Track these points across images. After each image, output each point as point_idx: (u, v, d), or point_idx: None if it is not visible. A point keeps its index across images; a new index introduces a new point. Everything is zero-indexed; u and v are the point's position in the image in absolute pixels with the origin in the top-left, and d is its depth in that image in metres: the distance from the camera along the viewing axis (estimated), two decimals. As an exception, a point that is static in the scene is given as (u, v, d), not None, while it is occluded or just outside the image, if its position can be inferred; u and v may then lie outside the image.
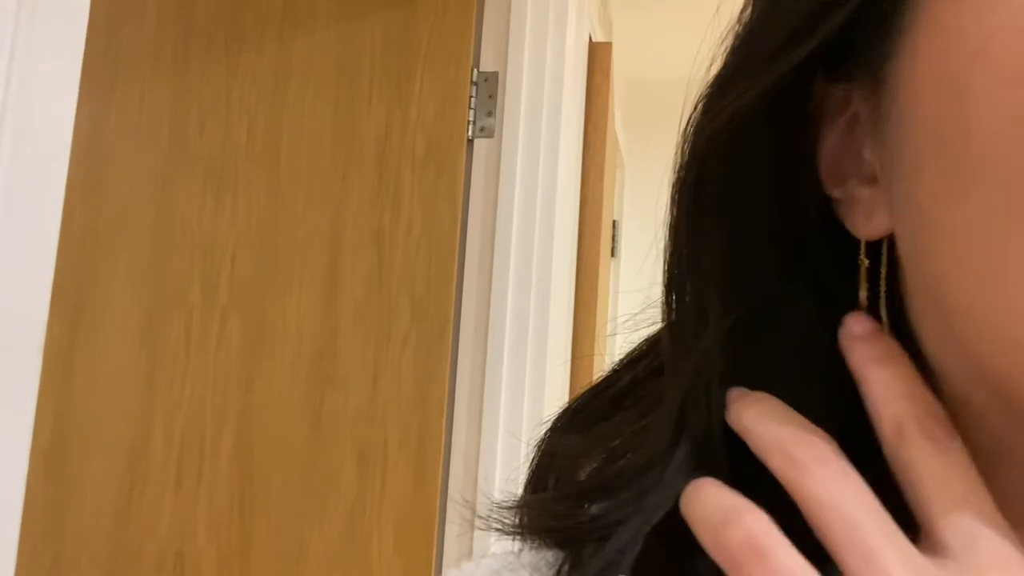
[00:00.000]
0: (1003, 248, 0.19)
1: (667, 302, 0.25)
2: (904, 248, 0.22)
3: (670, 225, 0.25)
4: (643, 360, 0.28)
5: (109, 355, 1.21)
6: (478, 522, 0.28)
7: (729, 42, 0.23)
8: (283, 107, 1.23)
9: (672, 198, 0.25)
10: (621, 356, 0.29)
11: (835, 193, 0.24)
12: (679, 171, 0.24)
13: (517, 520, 0.27)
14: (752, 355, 0.24)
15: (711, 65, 0.24)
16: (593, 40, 1.52)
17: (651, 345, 0.28)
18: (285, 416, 1.18)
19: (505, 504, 0.27)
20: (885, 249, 0.23)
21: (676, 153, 0.24)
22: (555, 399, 1.25)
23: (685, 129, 0.24)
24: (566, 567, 0.25)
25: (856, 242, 0.24)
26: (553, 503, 0.27)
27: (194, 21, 1.26)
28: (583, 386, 0.30)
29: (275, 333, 1.20)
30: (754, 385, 0.24)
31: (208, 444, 1.19)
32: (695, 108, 0.24)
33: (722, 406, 0.24)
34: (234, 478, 1.18)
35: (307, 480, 1.17)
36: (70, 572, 1.18)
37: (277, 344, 1.19)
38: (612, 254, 2.08)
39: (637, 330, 0.29)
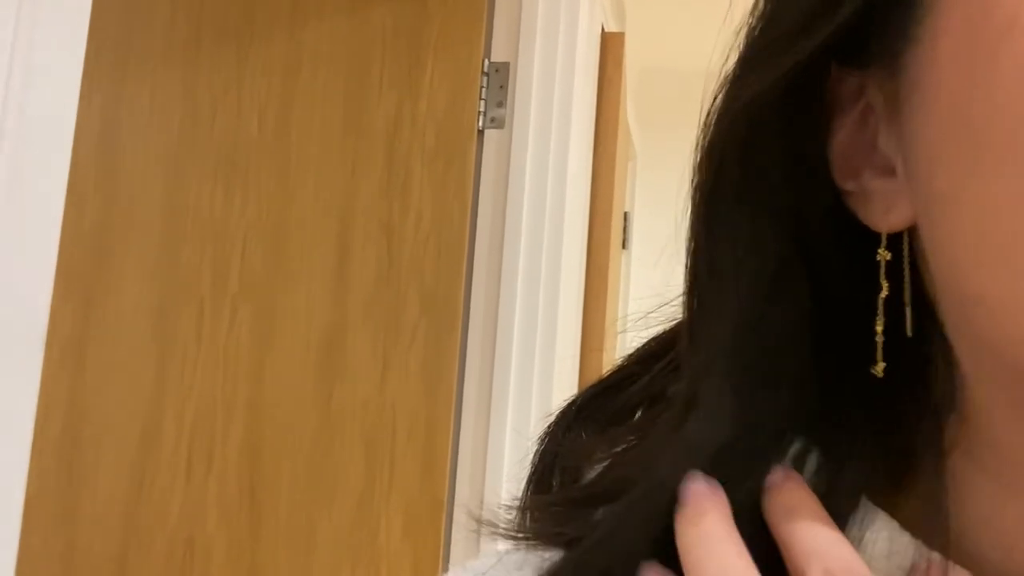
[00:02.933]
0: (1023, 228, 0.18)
1: (687, 299, 0.25)
2: (925, 238, 0.22)
3: (690, 219, 0.24)
4: (659, 360, 0.28)
5: (120, 344, 1.22)
6: (483, 529, 0.27)
7: (745, 32, 0.23)
8: (293, 98, 1.23)
9: (691, 191, 0.24)
10: (631, 351, 0.29)
11: (848, 186, 0.23)
12: (697, 163, 0.24)
13: (521, 522, 0.27)
14: (760, 356, 0.24)
15: (727, 57, 0.23)
16: (606, 30, 1.51)
17: (667, 344, 0.28)
18: (294, 405, 1.19)
19: (509, 506, 0.27)
20: (906, 242, 0.23)
21: (695, 145, 0.24)
22: (563, 390, 1.25)
23: (705, 120, 0.24)
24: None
25: (864, 240, 0.23)
26: (558, 506, 0.26)
27: (205, 11, 1.26)
28: (592, 377, 0.29)
29: (285, 323, 1.20)
30: (761, 385, 0.24)
31: (218, 433, 1.20)
32: (714, 99, 0.23)
33: (729, 404, 0.24)
34: (244, 466, 1.19)
35: (316, 469, 1.17)
36: (81, 559, 1.19)
37: (287, 334, 1.20)
38: (623, 246, 2.07)
39: (648, 328, 0.28)
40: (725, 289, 0.24)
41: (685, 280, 0.25)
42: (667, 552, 0.23)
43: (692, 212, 0.24)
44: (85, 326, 1.23)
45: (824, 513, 0.23)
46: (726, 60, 0.23)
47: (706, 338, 0.24)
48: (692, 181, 0.24)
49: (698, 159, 0.24)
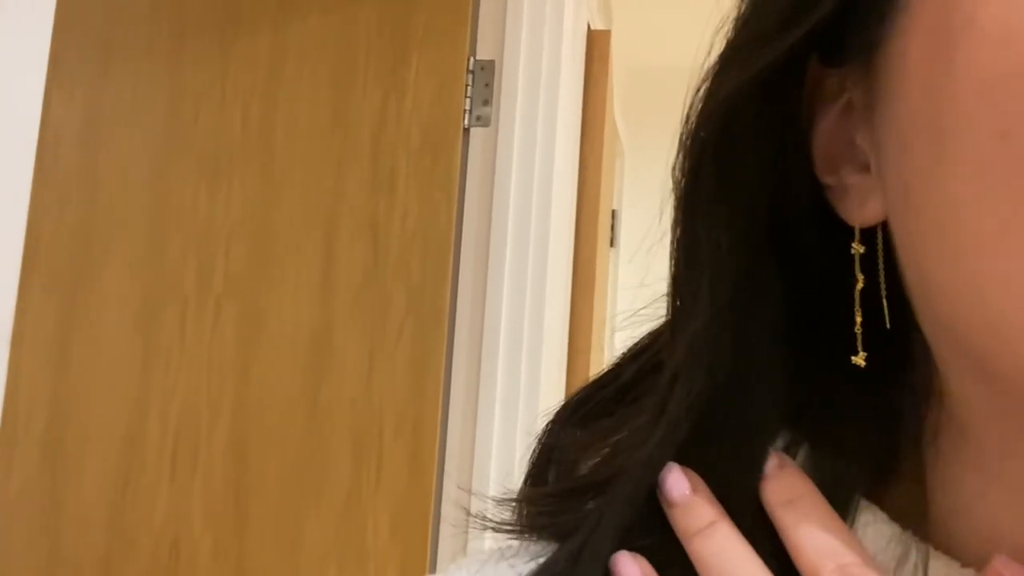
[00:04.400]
0: (981, 220, 0.19)
1: (671, 292, 0.25)
2: (895, 232, 0.22)
3: (672, 211, 0.25)
4: (645, 353, 0.28)
5: (104, 344, 1.21)
6: (474, 521, 0.27)
7: (727, 28, 0.24)
8: (278, 94, 1.22)
9: (673, 185, 0.25)
10: (624, 350, 0.29)
11: (828, 180, 0.24)
12: (679, 156, 0.24)
13: (515, 516, 0.27)
14: (736, 348, 0.24)
15: (710, 52, 0.24)
16: (592, 28, 1.51)
17: (654, 338, 0.28)
18: (280, 405, 1.18)
19: (503, 499, 0.27)
20: (880, 236, 0.23)
21: (678, 139, 0.24)
22: (551, 389, 1.25)
23: (687, 112, 0.24)
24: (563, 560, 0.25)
25: (846, 232, 0.24)
26: (553, 498, 0.27)
27: (188, 6, 1.25)
28: (580, 376, 0.30)
29: (270, 322, 1.20)
30: (736, 377, 0.24)
31: (203, 433, 1.19)
32: (696, 91, 0.24)
33: (705, 394, 0.24)
34: (229, 466, 1.18)
35: (302, 469, 1.17)
36: (66, 561, 1.18)
37: (272, 333, 1.19)
38: (611, 244, 2.08)
39: (641, 324, 0.29)
40: (703, 281, 0.24)
41: (669, 273, 0.25)
42: (645, 540, 0.24)
43: (674, 204, 0.25)
44: (68, 325, 1.22)
45: (826, 505, 0.23)
46: (709, 54, 0.24)
47: (685, 330, 0.24)
48: (673, 173, 0.25)
49: (679, 151, 0.24)
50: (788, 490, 0.23)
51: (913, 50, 0.21)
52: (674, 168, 0.24)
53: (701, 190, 0.24)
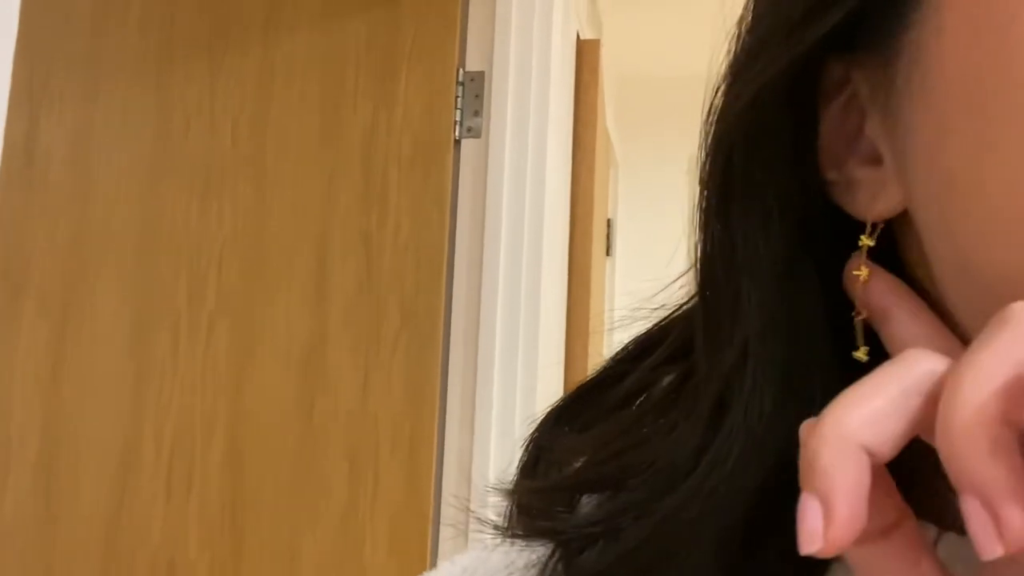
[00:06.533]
0: None
1: (701, 295, 0.25)
2: (927, 220, 0.22)
3: (700, 215, 0.24)
4: (647, 357, 0.28)
5: (97, 362, 1.21)
6: (471, 521, 0.27)
7: (744, 26, 0.23)
8: (268, 109, 1.23)
9: (700, 188, 0.24)
10: (615, 351, 0.28)
11: (831, 176, 0.24)
12: (704, 159, 0.24)
13: (508, 517, 0.27)
14: (792, 349, 0.23)
15: (727, 53, 0.23)
16: (581, 37, 1.52)
17: (653, 342, 0.28)
18: (275, 420, 1.18)
19: (495, 491, 0.27)
20: (875, 230, 0.23)
21: (701, 141, 0.24)
22: (547, 399, 1.24)
23: (707, 116, 0.24)
24: (555, 564, 0.25)
25: (853, 227, 0.23)
26: (547, 493, 0.26)
27: (177, 23, 1.25)
28: (576, 385, 0.29)
29: (264, 337, 1.19)
30: (789, 382, 0.23)
31: (198, 450, 1.18)
32: (716, 93, 0.23)
33: (764, 400, 0.23)
34: (225, 484, 1.17)
35: (299, 484, 1.16)
36: (61, 581, 1.17)
37: (266, 348, 1.19)
38: (607, 253, 2.07)
39: (635, 322, 0.28)
40: (743, 284, 0.23)
41: (698, 276, 0.25)
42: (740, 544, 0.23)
43: (703, 209, 0.24)
44: (60, 344, 1.21)
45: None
46: (727, 53, 0.23)
47: (731, 334, 0.24)
48: (700, 178, 0.24)
49: (705, 155, 0.24)
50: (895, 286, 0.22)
51: (954, 30, 0.20)
52: (700, 171, 0.24)
53: (732, 191, 0.23)
